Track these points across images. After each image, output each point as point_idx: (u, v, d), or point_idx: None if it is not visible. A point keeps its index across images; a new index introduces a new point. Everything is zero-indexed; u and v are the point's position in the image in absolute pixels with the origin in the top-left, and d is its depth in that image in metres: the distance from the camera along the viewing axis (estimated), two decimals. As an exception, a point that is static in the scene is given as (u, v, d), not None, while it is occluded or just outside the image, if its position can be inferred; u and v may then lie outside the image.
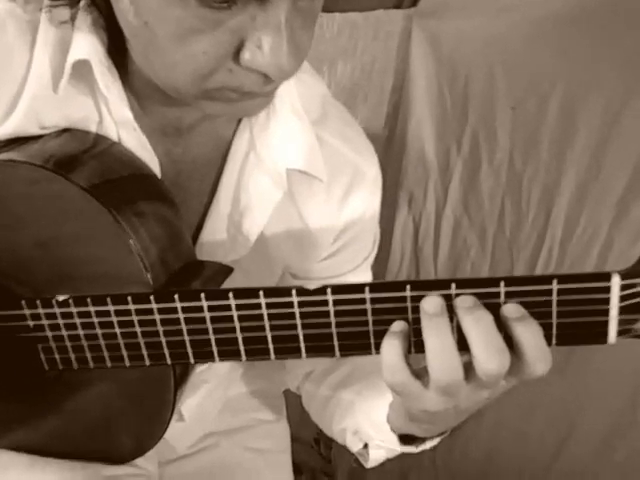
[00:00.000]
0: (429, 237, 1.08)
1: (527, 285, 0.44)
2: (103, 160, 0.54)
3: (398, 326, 0.46)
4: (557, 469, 1.11)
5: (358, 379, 0.69)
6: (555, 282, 0.43)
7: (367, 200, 0.69)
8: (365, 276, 0.75)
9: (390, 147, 1.08)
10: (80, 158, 0.53)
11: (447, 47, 0.99)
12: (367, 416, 0.63)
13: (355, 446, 0.67)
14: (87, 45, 0.51)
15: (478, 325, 0.43)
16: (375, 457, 0.65)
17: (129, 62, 0.53)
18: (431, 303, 0.44)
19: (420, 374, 0.47)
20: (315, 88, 0.66)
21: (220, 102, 0.49)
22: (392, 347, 0.45)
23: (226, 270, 0.59)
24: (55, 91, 0.53)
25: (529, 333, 0.43)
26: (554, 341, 0.45)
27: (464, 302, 0.44)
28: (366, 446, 0.66)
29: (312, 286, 0.46)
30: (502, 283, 0.44)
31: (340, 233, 0.69)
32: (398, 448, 0.60)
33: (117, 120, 0.55)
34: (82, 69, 0.52)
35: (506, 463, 1.10)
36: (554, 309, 0.44)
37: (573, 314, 0.44)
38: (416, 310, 0.46)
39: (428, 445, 0.58)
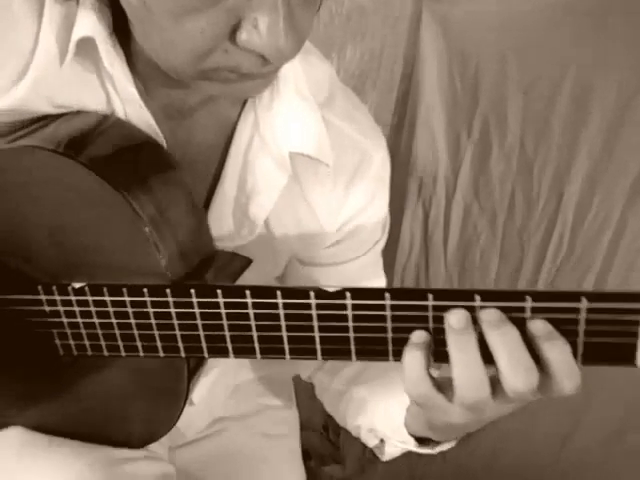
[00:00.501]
0: (439, 224, 1.08)
1: (554, 301, 0.43)
2: (118, 143, 0.54)
3: (419, 337, 0.45)
4: (564, 460, 1.11)
5: (372, 375, 0.68)
6: (585, 300, 0.42)
7: (375, 184, 0.68)
8: (375, 262, 0.74)
9: (400, 133, 1.07)
10: (95, 142, 0.53)
11: (457, 31, 0.98)
12: (382, 417, 0.63)
13: (371, 442, 0.67)
14: (91, 23, 0.50)
15: (504, 341, 0.42)
16: (391, 452, 0.65)
17: (132, 43, 0.53)
18: (457, 318, 0.43)
19: (443, 386, 0.46)
20: (322, 70, 0.65)
21: (218, 83, 0.49)
22: (414, 359, 0.44)
23: (243, 261, 0.59)
24: (62, 68, 0.52)
25: (557, 352, 0.42)
26: (579, 360, 0.44)
27: (490, 315, 0.43)
28: (382, 441, 0.66)
29: (331, 289, 0.46)
30: (529, 298, 0.43)
31: (347, 219, 0.68)
32: (415, 449, 0.60)
33: (123, 98, 0.55)
34: (87, 46, 0.51)
35: (512, 457, 1.11)
36: (581, 328, 0.43)
37: (601, 334, 0.43)
38: (438, 320, 0.45)
39: (445, 447, 0.58)
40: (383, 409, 0.64)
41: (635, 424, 1.03)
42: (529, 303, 0.43)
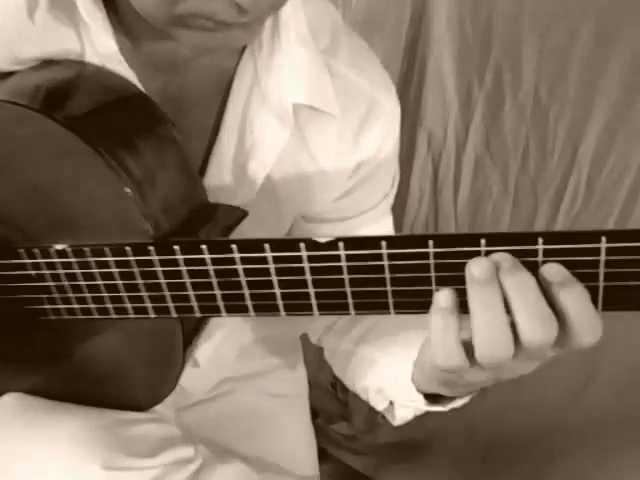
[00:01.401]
0: (449, 177, 1.04)
1: (570, 243, 0.38)
2: (91, 91, 0.51)
3: (447, 298, 0.40)
4: (579, 410, 1.09)
5: (380, 333, 0.66)
6: (604, 240, 0.38)
7: (384, 134, 0.65)
8: (385, 217, 0.72)
9: (408, 82, 1.03)
10: (66, 92, 0.50)
11: (469, -28, 0.93)
12: (391, 375, 0.60)
13: (380, 405, 0.65)
14: None
15: (520, 290, 0.38)
16: (402, 416, 0.63)
17: None
18: (481, 268, 0.38)
19: (470, 350, 0.41)
20: (325, 15, 0.62)
21: (195, 31, 0.47)
22: (447, 328, 0.40)
23: (239, 214, 0.57)
24: (32, 20, 0.50)
25: (575, 300, 0.38)
26: (600, 306, 0.40)
27: (503, 261, 0.38)
28: (391, 404, 0.64)
29: (323, 240, 0.43)
30: (540, 240, 0.38)
31: (355, 170, 0.65)
32: (425, 407, 0.57)
33: (100, 52, 0.52)
34: None
35: (525, 412, 1.09)
36: (601, 270, 0.38)
37: (623, 277, 0.38)
38: (440, 268, 0.41)
39: (458, 404, 0.55)
40: (390, 366, 0.61)
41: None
42: (541, 246, 0.39)
